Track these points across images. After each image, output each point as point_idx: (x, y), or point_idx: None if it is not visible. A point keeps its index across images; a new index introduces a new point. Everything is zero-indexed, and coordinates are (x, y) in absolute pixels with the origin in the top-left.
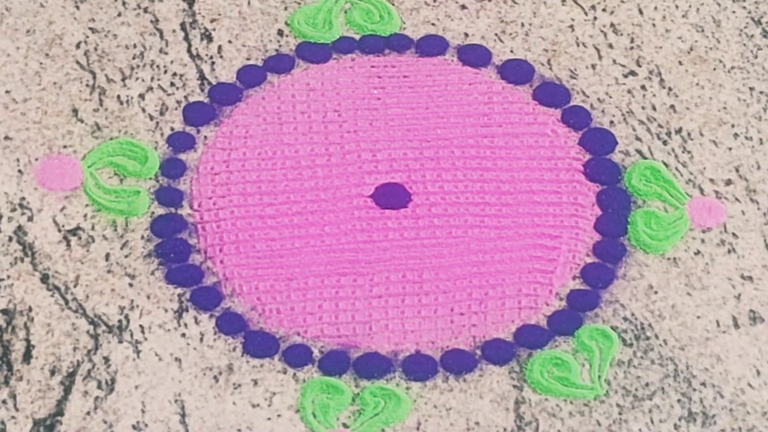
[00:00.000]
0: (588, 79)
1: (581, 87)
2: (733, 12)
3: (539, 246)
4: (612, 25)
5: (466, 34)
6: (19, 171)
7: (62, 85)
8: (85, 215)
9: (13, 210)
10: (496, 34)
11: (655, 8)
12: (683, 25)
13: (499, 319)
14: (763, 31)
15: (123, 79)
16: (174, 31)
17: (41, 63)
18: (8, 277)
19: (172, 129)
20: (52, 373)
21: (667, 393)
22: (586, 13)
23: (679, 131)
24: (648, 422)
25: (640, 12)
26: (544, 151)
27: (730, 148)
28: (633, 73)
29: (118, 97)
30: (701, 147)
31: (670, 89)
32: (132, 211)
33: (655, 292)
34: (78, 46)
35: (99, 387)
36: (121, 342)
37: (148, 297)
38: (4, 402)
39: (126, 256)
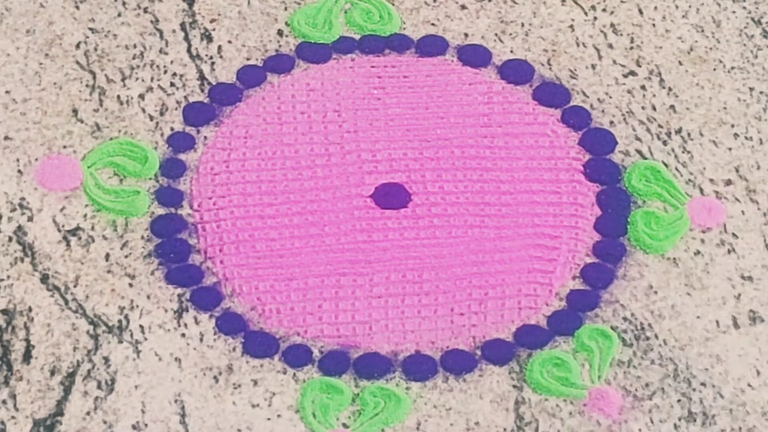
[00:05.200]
0: (588, 79)
1: (581, 87)
2: (733, 12)
3: (539, 246)
4: (612, 25)
5: (466, 35)
6: (19, 171)
7: (62, 86)
8: (85, 215)
9: (13, 210)
10: (496, 35)
11: (655, 8)
12: (683, 26)
13: (499, 319)
14: (763, 32)
15: (123, 80)
16: (174, 31)
17: (41, 63)
18: (8, 277)
19: (172, 129)
20: (52, 373)
21: (667, 393)
22: (586, 14)
23: (679, 131)
24: (648, 422)
25: (640, 12)
26: (544, 151)
27: (730, 149)
28: (633, 73)
29: (118, 97)
30: (701, 147)
31: (670, 89)
32: (132, 211)
33: (655, 293)
34: (78, 46)
35: (99, 387)
36: (121, 342)
37: (148, 297)
38: (4, 402)
39: (126, 257)
